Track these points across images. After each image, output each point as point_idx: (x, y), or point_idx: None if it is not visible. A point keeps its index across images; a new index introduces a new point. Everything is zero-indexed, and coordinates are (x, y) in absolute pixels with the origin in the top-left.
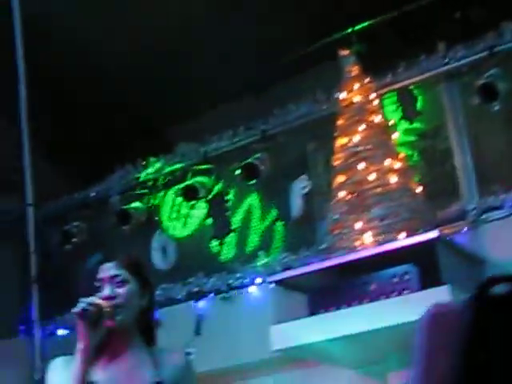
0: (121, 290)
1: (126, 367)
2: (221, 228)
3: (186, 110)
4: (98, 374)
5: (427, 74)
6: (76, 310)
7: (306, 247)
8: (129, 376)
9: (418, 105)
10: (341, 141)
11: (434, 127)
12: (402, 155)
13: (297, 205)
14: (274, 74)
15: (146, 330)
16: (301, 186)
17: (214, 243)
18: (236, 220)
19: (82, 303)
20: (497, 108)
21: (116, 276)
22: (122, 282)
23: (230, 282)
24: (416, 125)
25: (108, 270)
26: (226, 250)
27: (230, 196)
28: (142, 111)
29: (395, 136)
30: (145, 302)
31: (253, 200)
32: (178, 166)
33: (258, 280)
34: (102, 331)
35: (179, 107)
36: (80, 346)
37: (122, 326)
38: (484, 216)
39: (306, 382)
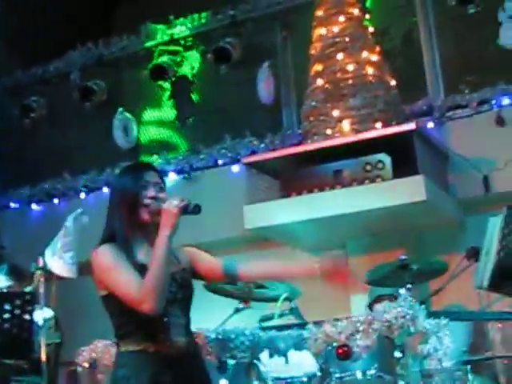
0: (163, 195)
1: None
2: (184, 110)
3: None
4: (143, 259)
5: None
6: (182, 203)
7: (273, 133)
8: None
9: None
10: (319, 31)
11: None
12: (378, 48)
13: (262, 91)
14: None
15: None
16: (264, 74)
17: (178, 124)
18: (201, 102)
19: (181, 200)
20: (472, 11)
21: (159, 183)
22: (161, 189)
23: (193, 162)
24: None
25: (153, 176)
26: (190, 130)
27: (195, 78)
28: None
29: (371, 29)
30: None
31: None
32: (143, 45)
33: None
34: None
35: None
36: (168, 232)
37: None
38: (450, 113)
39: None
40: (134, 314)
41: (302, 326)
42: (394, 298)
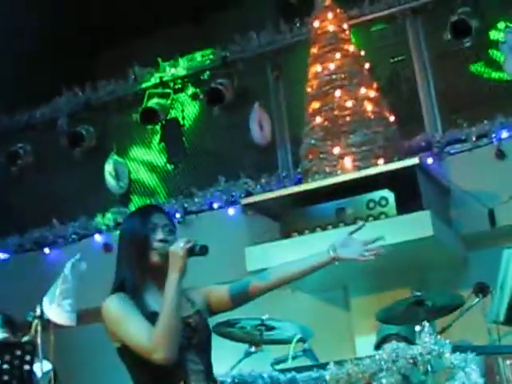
0: (171, 238)
1: None
2: (176, 152)
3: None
4: (154, 306)
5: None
6: (188, 245)
7: (268, 173)
8: None
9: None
10: (314, 68)
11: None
12: (375, 85)
13: (255, 132)
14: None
15: None
16: (255, 114)
17: (169, 167)
18: (193, 145)
19: (187, 241)
20: (468, 44)
21: (168, 225)
22: (171, 231)
23: (186, 206)
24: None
25: (161, 218)
26: (183, 173)
27: (187, 121)
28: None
29: (367, 66)
30: None
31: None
32: (132, 89)
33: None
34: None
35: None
36: (177, 276)
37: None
38: (449, 148)
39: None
40: (149, 364)
41: (323, 366)
42: (401, 338)
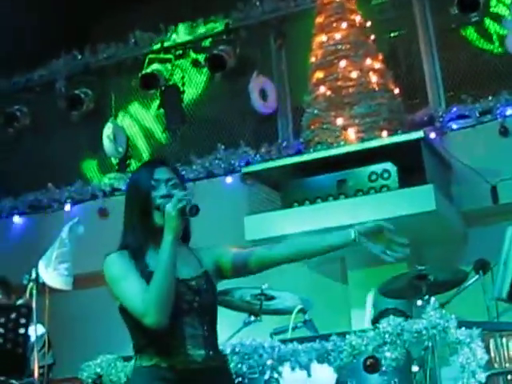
0: (177, 192)
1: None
2: (174, 119)
3: None
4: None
5: None
6: (180, 205)
7: (268, 143)
8: (184, 264)
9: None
10: (319, 38)
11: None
12: (380, 56)
13: (256, 101)
14: None
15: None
16: (255, 83)
17: (168, 134)
18: (192, 112)
19: (180, 200)
20: (475, 19)
21: (172, 179)
22: (175, 185)
23: (184, 173)
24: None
25: (164, 173)
26: (181, 140)
27: (187, 87)
28: None
29: (372, 37)
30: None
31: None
32: (132, 53)
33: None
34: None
35: None
36: (170, 237)
37: None
38: (452, 123)
39: (266, 276)
40: (146, 326)
41: (325, 337)
42: (399, 312)
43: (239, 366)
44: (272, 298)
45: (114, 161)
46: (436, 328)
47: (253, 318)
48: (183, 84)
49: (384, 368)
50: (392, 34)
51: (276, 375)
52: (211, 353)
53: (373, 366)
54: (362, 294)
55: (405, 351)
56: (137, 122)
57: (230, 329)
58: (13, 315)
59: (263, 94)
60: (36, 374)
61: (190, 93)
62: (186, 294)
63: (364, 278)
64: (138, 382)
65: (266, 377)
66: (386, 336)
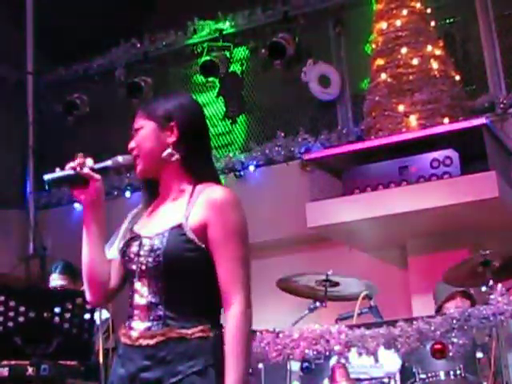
0: (134, 140)
1: (160, 213)
2: (234, 107)
3: None
4: (139, 225)
5: None
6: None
7: (328, 130)
8: (156, 220)
9: None
10: (380, 25)
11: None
12: (441, 43)
13: (314, 88)
14: None
15: (189, 164)
16: (312, 71)
17: (227, 122)
18: (251, 99)
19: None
20: None
21: (137, 129)
22: (137, 131)
23: (244, 161)
24: None
25: (136, 122)
26: (240, 128)
27: (246, 75)
28: None
29: (433, 24)
30: (170, 135)
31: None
32: (191, 41)
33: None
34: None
35: None
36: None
37: (148, 174)
38: None
39: (327, 262)
40: None
41: (392, 323)
42: (467, 296)
43: (306, 351)
44: (337, 283)
45: None
46: (504, 314)
47: (318, 303)
48: (242, 72)
49: (451, 354)
50: (448, 21)
51: (343, 360)
52: (154, 328)
53: (440, 351)
54: (423, 280)
55: (471, 337)
56: None
57: (295, 314)
58: (79, 300)
59: (324, 81)
60: (101, 359)
61: (249, 80)
62: (138, 254)
63: (425, 265)
64: None
65: (333, 362)
66: (454, 322)
